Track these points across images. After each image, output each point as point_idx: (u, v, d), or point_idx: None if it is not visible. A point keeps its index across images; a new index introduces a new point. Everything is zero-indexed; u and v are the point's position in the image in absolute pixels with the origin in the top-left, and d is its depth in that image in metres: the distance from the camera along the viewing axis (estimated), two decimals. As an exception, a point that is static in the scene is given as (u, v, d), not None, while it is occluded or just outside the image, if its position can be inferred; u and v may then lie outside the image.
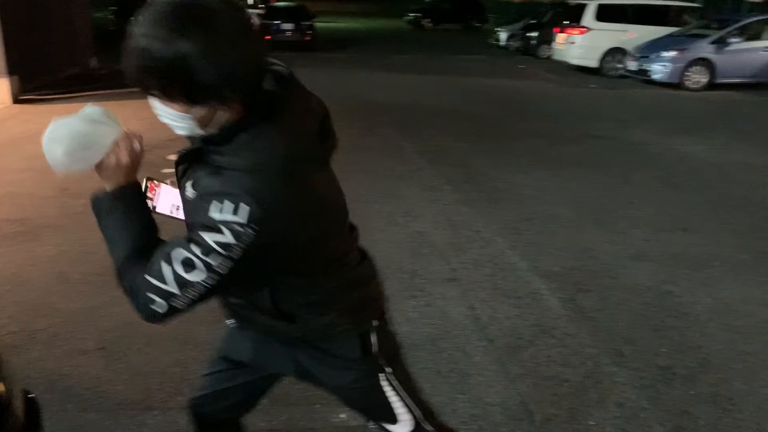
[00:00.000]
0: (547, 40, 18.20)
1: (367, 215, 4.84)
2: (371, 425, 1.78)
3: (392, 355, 1.66)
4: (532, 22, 20.89)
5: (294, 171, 1.28)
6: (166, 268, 1.29)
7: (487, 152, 7.33)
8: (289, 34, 19.41)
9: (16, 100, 9.44)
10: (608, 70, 15.24)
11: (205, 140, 1.35)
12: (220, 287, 1.31)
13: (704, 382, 3.04)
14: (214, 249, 1.24)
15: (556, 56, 16.76)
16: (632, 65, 14.16)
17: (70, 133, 1.36)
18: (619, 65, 15.04)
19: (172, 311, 1.32)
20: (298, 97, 1.37)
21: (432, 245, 4.63)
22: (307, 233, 1.35)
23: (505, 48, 21.94)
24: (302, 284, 1.48)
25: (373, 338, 1.58)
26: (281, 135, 1.29)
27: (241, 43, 1.21)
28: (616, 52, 15.18)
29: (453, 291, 3.92)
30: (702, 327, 3.57)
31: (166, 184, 1.63)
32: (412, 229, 4.94)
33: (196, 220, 1.28)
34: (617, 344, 3.36)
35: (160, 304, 1.31)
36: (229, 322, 1.74)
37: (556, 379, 3.03)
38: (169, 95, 1.27)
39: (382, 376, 1.62)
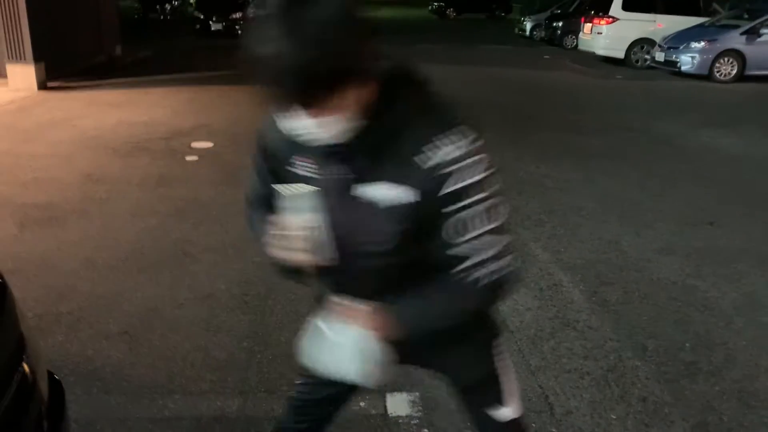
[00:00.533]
0: (573, 30, 17.99)
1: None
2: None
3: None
4: (557, 12, 20.65)
5: None
6: (492, 238, 1.32)
7: (511, 143, 7.26)
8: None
9: (42, 87, 9.56)
10: (635, 61, 15.01)
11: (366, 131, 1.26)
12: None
13: (729, 378, 2.99)
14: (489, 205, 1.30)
15: (582, 46, 16.55)
16: (660, 56, 13.91)
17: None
18: (647, 56, 14.81)
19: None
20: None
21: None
22: None
23: (530, 38, 21.74)
24: None
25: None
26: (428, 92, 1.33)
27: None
28: (643, 43, 14.94)
29: (474, 282, 3.89)
30: (728, 322, 3.51)
31: None
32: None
33: (444, 196, 1.27)
34: (641, 338, 3.32)
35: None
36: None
37: (578, 372, 3.00)
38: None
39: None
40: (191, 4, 28.01)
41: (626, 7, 15.02)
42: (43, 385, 1.73)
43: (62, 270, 3.86)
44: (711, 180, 6.20)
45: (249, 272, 3.89)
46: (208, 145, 6.73)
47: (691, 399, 2.83)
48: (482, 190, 1.29)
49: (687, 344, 3.28)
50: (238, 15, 19.17)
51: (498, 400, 1.65)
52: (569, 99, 10.77)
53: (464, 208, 1.29)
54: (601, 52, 15.52)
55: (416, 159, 1.26)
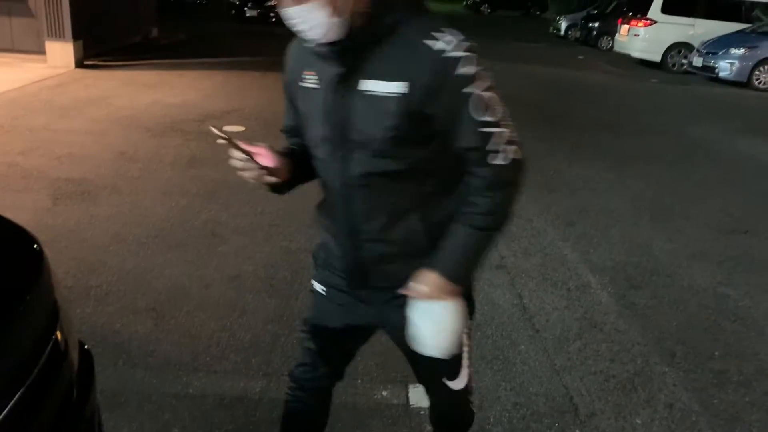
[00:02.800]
0: (609, 31, 17.74)
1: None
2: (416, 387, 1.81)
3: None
4: (594, 12, 20.37)
5: None
6: (503, 126, 1.45)
7: (544, 141, 7.17)
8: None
9: (80, 65, 9.69)
10: (672, 65, 14.75)
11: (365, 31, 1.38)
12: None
13: (759, 390, 2.92)
14: (492, 96, 1.43)
15: (618, 48, 16.31)
16: (698, 61, 13.65)
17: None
18: (684, 61, 14.54)
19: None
20: None
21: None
22: None
23: (564, 37, 21.49)
24: (452, 190, 1.56)
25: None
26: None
27: None
28: (681, 47, 14.67)
29: (501, 278, 3.86)
30: (760, 332, 3.43)
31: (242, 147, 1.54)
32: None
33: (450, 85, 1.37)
34: (669, 344, 3.26)
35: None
36: (321, 287, 1.75)
37: (604, 375, 2.96)
38: None
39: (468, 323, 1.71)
40: (227, -11, 28.17)
41: (665, 9, 14.75)
42: (74, 354, 1.74)
43: (93, 244, 3.91)
44: (746, 188, 6.07)
45: (276, 256, 3.90)
46: (240, 129, 6.76)
47: (719, 409, 2.77)
48: (485, 80, 1.41)
49: (716, 353, 3.21)
50: (273, 2, 19.22)
51: (453, 373, 1.75)
52: (603, 100, 10.62)
53: (470, 95, 1.39)
54: (637, 54, 15.29)
55: (420, 48, 1.37)
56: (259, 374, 2.76)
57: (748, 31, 13.66)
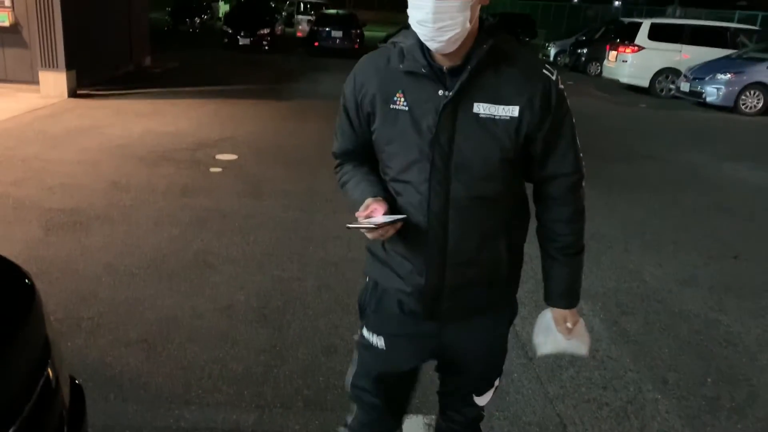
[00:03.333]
0: (598, 57, 17.97)
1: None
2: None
3: None
4: (582, 38, 20.65)
5: None
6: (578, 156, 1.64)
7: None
8: (338, 41, 19.59)
9: (72, 94, 9.73)
10: (659, 90, 14.95)
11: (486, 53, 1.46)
12: None
13: (753, 416, 2.93)
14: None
15: (606, 74, 16.51)
16: (685, 86, 13.84)
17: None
18: (671, 86, 14.74)
19: None
20: None
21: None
22: None
23: (554, 63, 21.73)
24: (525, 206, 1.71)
25: None
26: None
27: None
28: (668, 73, 14.89)
29: (493, 305, 3.86)
30: (751, 358, 3.45)
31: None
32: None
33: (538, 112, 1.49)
34: (661, 370, 3.27)
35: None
36: (378, 339, 1.73)
37: (597, 402, 2.96)
38: None
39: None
40: (220, 18, 28.44)
41: (652, 36, 15.00)
42: (65, 390, 1.74)
43: (85, 275, 3.90)
44: (735, 213, 6.13)
45: (268, 285, 3.90)
46: (233, 157, 6.79)
47: (712, 435, 2.78)
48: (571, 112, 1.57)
49: (709, 379, 3.22)
50: (265, 31, 19.42)
51: (490, 386, 1.86)
52: (592, 125, 10.72)
53: (572, 124, 1.57)
54: (625, 80, 15.49)
55: (540, 76, 1.49)
56: (251, 406, 2.75)
57: (734, 56, 13.88)
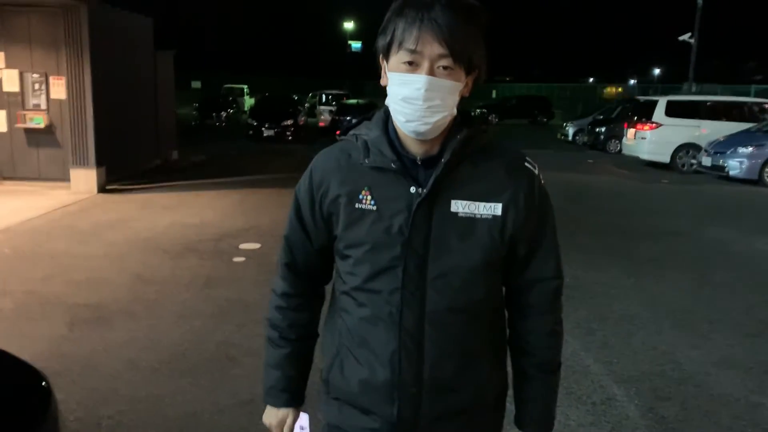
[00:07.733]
0: (616, 135, 18.17)
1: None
2: None
3: None
4: (599, 117, 20.96)
5: None
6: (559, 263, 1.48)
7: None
8: (359, 129, 20.07)
9: (101, 190, 10.02)
10: (681, 165, 14.96)
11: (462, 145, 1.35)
12: None
13: None
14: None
15: (626, 151, 16.61)
16: (707, 161, 13.84)
17: None
18: (693, 161, 14.75)
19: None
20: None
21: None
22: None
23: (572, 142, 21.98)
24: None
25: None
26: None
27: None
28: (688, 148, 14.93)
29: (522, 393, 3.73)
30: (800, 445, 3.25)
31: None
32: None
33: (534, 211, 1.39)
34: (704, 461, 3.09)
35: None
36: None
37: (637, 498, 2.79)
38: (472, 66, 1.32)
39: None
40: (245, 111, 29.50)
41: (669, 113, 15.15)
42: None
43: (106, 372, 3.87)
44: (769, 288, 5.95)
45: (290, 378, 3.82)
46: (256, 246, 6.85)
47: None
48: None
49: (756, 469, 3.03)
50: (289, 122, 20.07)
51: None
52: (615, 203, 10.69)
53: (553, 224, 1.44)
54: (645, 156, 15.55)
55: (523, 171, 1.38)
56: None
57: (753, 129, 13.91)
